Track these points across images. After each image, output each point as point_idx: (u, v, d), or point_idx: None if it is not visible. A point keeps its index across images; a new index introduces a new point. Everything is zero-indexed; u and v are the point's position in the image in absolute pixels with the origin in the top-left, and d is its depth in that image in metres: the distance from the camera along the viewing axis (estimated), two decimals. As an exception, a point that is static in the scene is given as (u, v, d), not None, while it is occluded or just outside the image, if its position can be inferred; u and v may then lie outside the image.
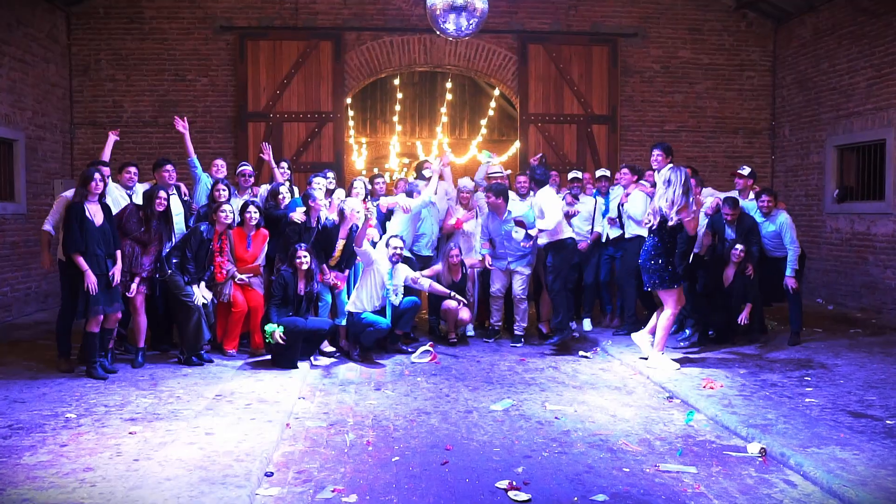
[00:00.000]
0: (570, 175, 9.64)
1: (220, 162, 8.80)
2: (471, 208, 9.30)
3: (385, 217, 9.03)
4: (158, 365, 7.53)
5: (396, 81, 14.09)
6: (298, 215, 8.08)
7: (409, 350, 8.42)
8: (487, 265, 8.81)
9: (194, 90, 11.54)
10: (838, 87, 10.83)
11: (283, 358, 7.52)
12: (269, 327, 7.40)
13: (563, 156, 11.68)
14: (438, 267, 8.78)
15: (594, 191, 9.61)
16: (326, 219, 8.23)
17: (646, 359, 7.67)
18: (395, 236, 8.27)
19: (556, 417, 6.09)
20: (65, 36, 11.27)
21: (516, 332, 8.91)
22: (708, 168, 11.76)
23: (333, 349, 8.37)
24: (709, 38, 12.02)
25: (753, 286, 8.37)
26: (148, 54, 11.46)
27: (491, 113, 14.66)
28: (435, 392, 6.86)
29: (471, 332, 9.23)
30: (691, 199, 7.51)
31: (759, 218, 8.62)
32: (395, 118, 15.22)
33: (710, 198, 8.77)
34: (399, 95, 14.57)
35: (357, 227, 8.37)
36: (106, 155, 8.01)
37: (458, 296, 8.31)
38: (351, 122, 15.84)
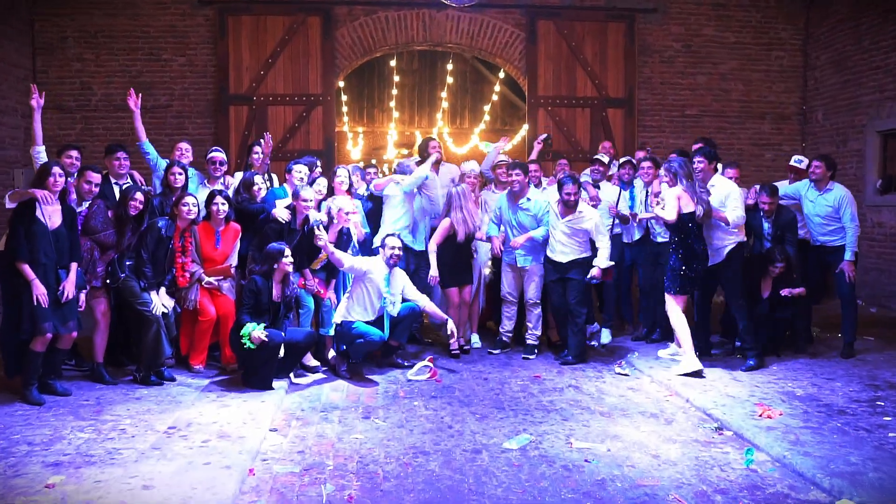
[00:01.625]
0: (597, 157, 8.28)
1: (184, 145, 7.44)
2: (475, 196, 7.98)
3: (372, 209, 7.66)
4: (109, 385, 6.20)
5: (393, 63, 12.53)
6: (283, 213, 6.72)
7: (406, 364, 7.07)
8: (497, 251, 7.55)
9: (170, 70, 10.16)
10: (882, 66, 9.46)
11: (257, 376, 6.18)
12: (246, 328, 6.05)
13: (576, 142, 10.31)
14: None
15: (618, 181, 8.24)
16: (315, 221, 6.88)
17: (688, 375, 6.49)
18: (393, 235, 6.91)
19: (586, 460, 4.74)
20: (26, 11, 9.88)
21: (528, 342, 7.55)
22: (733, 156, 10.34)
23: (318, 363, 7.02)
24: (734, 15, 10.64)
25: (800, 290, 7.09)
26: (119, 31, 10.08)
27: (495, 97, 13.20)
28: (435, 422, 5.52)
29: (476, 343, 7.88)
30: (698, 189, 6.58)
31: (810, 194, 7.31)
32: (392, 103, 13.72)
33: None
34: (396, 78, 13.02)
35: (347, 230, 7.03)
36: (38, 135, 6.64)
37: (453, 326, 6.98)
38: (344, 108, 14.37)
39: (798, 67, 10.81)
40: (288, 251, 6.27)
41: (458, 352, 7.45)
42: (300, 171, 7.24)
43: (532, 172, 7.90)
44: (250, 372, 6.23)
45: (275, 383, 6.27)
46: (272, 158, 8.15)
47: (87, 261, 6.09)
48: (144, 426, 5.21)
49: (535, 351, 7.49)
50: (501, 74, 11.96)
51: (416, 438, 5.14)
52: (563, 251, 7.20)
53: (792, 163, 7.91)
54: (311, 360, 7.00)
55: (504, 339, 7.68)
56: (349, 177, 7.49)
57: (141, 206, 6.18)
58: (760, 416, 5.42)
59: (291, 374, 6.67)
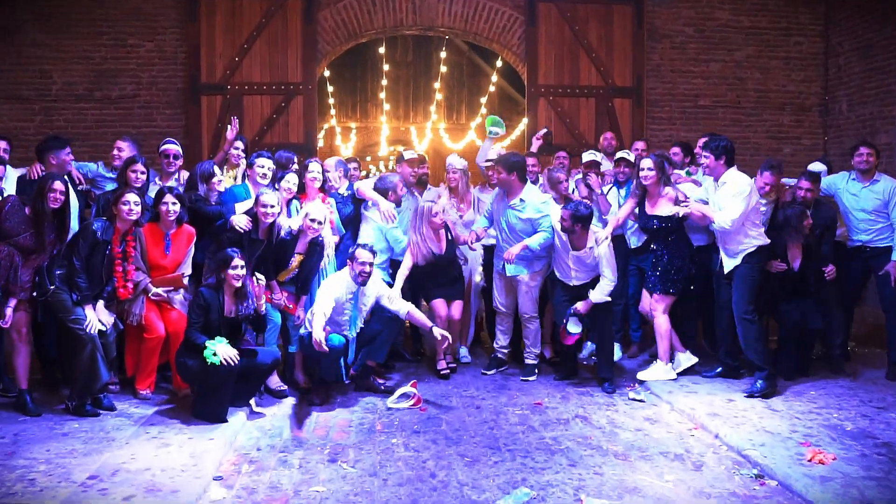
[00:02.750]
0: (586, 156, 7.18)
1: (122, 143, 6.37)
2: (461, 195, 6.88)
3: (354, 212, 6.56)
4: (34, 417, 5.13)
5: (382, 50, 11.34)
6: (241, 221, 5.64)
7: (386, 388, 5.99)
8: (471, 243, 6.50)
9: (137, 57, 9.03)
10: (917, 51, 8.37)
11: (208, 406, 5.12)
12: (210, 346, 5.00)
13: (579, 135, 9.20)
14: (407, 258, 6.40)
15: (612, 180, 7.16)
16: (282, 229, 5.82)
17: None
18: (363, 247, 5.82)
19: (601, 527, 3.68)
20: (-21, -8, 8.81)
21: (527, 362, 6.47)
22: (749, 151, 9.29)
23: (285, 387, 5.95)
24: (750, -4, 9.55)
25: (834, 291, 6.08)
26: (81, 14, 8.92)
27: (492, 89, 12.07)
28: (415, 467, 4.43)
29: (466, 359, 6.81)
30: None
31: (851, 186, 6.26)
32: (383, 94, 12.56)
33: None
34: (386, 67, 11.87)
35: (321, 239, 5.96)
36: None
37: (442, 331, 5.84)
38: (331, 100, 13.24)
39: (819, 54, 9.70)
40: (238, 260, 5.19)
41: (447, 371, 6.38)
42: (263, 165, 6.14)
43: (530, 167, 6.85)
44: (201, 400, 5.17)
45: (230, 414, 5.21)
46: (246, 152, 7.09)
47: (7, 269, 5.03)
48: (60, 475, 4.15)
49: (535, 371, 6.40)
50: (499, 64, 10.85)
51: (389, 492, 4.06)
52: (577, 276, 6.18)
53: (812, 168, 6.78)
54: (276, 383, 5.94)
55: (499, 356, 6.60)
56: (322, 172, 6.41)
57: (62, 199, 5.12)
58: (810, 460, 4.34)
59: (253, 401, 5.61)
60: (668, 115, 9.48)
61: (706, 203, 5.92)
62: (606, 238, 6.00)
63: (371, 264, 5.74)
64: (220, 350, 4.97)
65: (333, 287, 5.67)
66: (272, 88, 8.98)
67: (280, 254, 5.86)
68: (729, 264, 5.76)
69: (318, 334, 5.23)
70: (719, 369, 6.17)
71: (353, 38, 9.34)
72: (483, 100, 13.30)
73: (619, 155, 7.02)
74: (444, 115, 16.28)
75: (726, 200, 5.62)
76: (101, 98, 8.98)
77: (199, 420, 5.07)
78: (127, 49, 9.02)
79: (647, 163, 6.12)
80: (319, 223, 5.80)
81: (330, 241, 6.18)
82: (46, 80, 8.98)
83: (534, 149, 7.78)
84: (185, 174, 6.46)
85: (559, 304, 6.20)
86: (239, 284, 5.24)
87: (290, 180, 6.12)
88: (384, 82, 12.07)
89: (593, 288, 6.00)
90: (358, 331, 5.84)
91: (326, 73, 10.93)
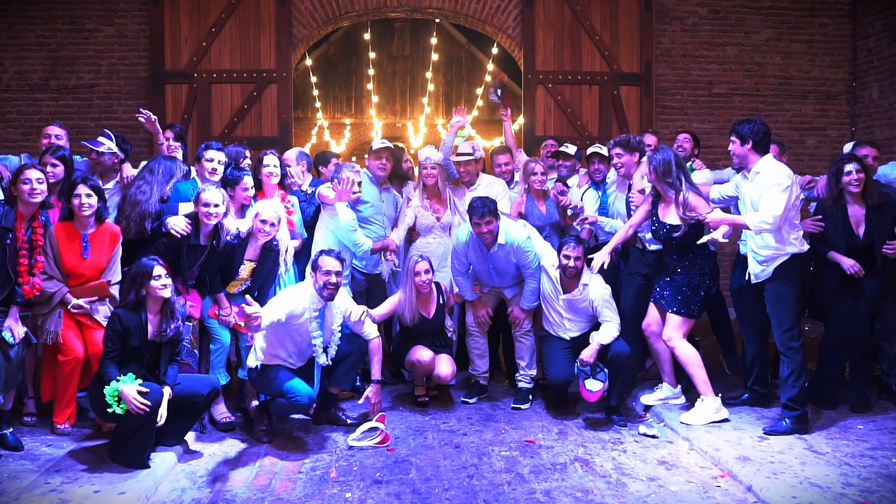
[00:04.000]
0: (563, 149, 6.19)
1: (54, 130, 5.36)
2: (437, 193, 5.82)
3: (314, 215, 5.53)
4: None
5: (367, 36, 10.21)
6: (179, 223, 4.62)
7: (350, 419, 4.95)
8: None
9: (96, 43, 8.03)
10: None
11: (125, 448, 4.09)
12: (113, 386, 3.99)
13: (581, 126, 8.15)
14: (393, 301, 5.33)
15: (587, 181, 6.05)
16: (229, 233, 4.80)
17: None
18: (328, 253, 4.77)
19: None
20: (-79, -29, 7.83)
21: (520, 385, 5.42)
22: (769, 143, 8.23)
23: (231, 417, 4.92)
24: (770, -27, 8.48)
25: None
26: (35, -4, 7.99)
27: (488, 78, 11.00)
28: (368, 537, 3.40)
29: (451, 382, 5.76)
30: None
31: None
32: (371, 85, 11.44)
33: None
34: (373, 55, 10.74)
35: (277, 243, 4.93)
36: None
37: (370, 393, 4.80)
38: (315, 91, 12.16)
39: (846, 36, 8.60)
40: (159, 268, 4.17)
41: (425, 398, 5.33)
42: (212, 158, 5.13)
43: (502, 166, 5.90)
44: (118, 441, 4.14)
45: (158, 455, 4.20)
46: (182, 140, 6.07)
47: None
48: None
49: (530, 398, 5.34)
50: (495, 50, 9.79)
51: (327, 579, 3.03)
52: (571, 325, 5.19)
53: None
54: (223, 414, 4.91)
55: (481, 382, 5.54)
56: (281, 166, 5.38)
57: None
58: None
59: (192, 435, 4.60)
60: (680, 104, 8.42)
61: (719, 210, 4.78)
62: (603, 263, 4.98)
63: (339, 273, 4.68)
64: (127, 393, 3.94)
65: (290, 300, 4.62)
66: (243, 76, 7.99)
67: (226, 261, 4.84)
68: (759, 272, 4.67)
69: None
70: (745, 395, 5.11)
71: (333, 22, 8.32)
72: (479, 90, 12.20)
73: (591, 150, 5.92)
74: (442, 111, 15.25)
75: (763, 194, 4.51)
76: (58, 88, 8.03)
77: (118, 465, 4.05)
78: (85, 34, 8.06)
79: (643, 167, 5.10)
80: (272, 224, 4.77)
81: (288, 245, 5.15)
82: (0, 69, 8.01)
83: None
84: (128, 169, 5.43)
85: (557, 355, 5.14)
86: (166, 296, 4.22)
87: (247, 184, 5.07)
88: (371, 72, 10.97)
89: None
90: (332, 358, 4.78)
91: (308, 63, 9.89)
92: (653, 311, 5.11)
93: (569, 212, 5.78)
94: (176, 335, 4.31)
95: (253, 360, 4.69)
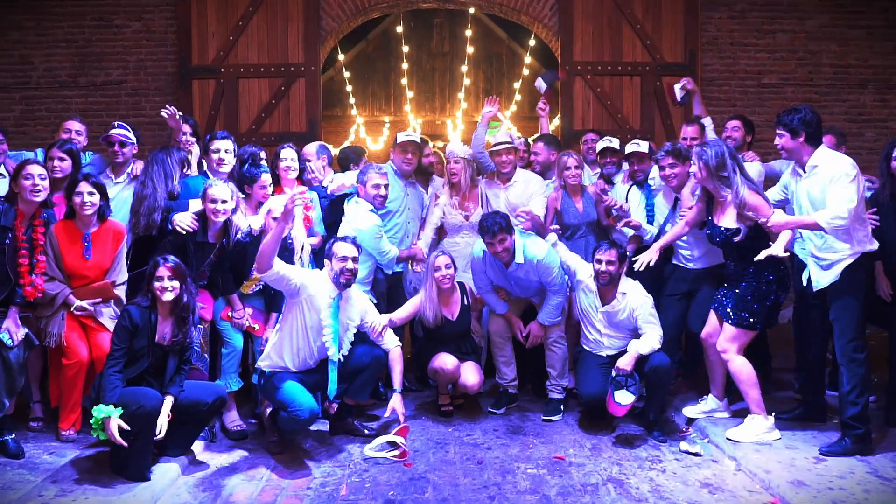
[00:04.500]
0: (630, 145, 5.70)
1: (74, 125, 5.17)
2: (465, 191, 5.43)
3: (330, 208, 5.21)
4: None
5: (400, 29, 9.76)
6: (185, 220, 4.36)
7: (368, 430, 4.62)
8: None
9: (123, 39, 7.84)
10: None
11: (125, 460, 3.82)
12: (98, 412, 3.73)
13: (622, 119, 7.68)
14: (415, 302, 4.97)
15: (627, 179, 5.65)
16: (240, 231, 4.51)
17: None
18: (343, 239, 4.46)
19: None
20: (-47, -30, 7.73)
21: (551, 396, 5.01)
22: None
23: (242, 426, 4.63)
24: (824, -46, 7.89)
25: None
26: (63, -9, 7.84)
27: (526, 72, 10.51)
28: (373, 567, 3.05)
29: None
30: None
31: None
32: (404, 80, 11.08)
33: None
34: (406, 49, 10.29)
35: (291, 241, 4.62)
36: None
37: (396, 404, 4.47)
38: (348, 87, 11.85)
39: (909, 21, 7.99)
40: (163, 269, 3.90)
41: (449, 408, 4.97)
42: (219, 149, 4.88)
43: (538, 155, 5.51)
44: (117, 452, 3.87)
45: (160, 466, 3.93)
46: (241, 144, 5.80)
47: None
48: None
49: (561, 409, 4.94)
50: (532, 42, 9.36)
51: None
52: (610, 341, 4.78)
53: None
54: (234, 422, 4.63)
55: (510, 391, 5.15)
56: (299, 160, 5.07)
57: None
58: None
59: (200, 445, 4.32)
60: (727, 95, 7.88)
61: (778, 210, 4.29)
62: (649, 261, 4.56)
63: (355, 259, 4.38)
64: (109, 425, 3.68)
65: (309, 275, 4.40)
66: (271, 71, 7.70)
67: (238, 260, 4.54)
68: (821, 279, 4.18)
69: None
70: (798, 411, 4.63)
71: (363, 14, 7.98)
72: (517, 85, 11.74)
73: (629, 148, 5.49)
74: (481, 107, 14.81)
75: (829, 189, 4.00)
76: (86, 85, 7.85)
77: (119, 476, 3.79)
78: (112, 30, 7.86)
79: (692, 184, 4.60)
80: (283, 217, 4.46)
81: (304, 242, 4.84)
82: (27, 67, 7.89)
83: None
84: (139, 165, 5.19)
85: (592, 371, 4.74)
86: (170, 299, 3.94)
87: (265, 181, 4.77)
88: (404, 66, 10.62)
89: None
90: (344, 356, 4.46)
91: (341, 58, 9.56)
92: (713, 319, 4.65)
93: (612, 212, 5.34)
94: (185, 342, 4.03)
95: (264, 362, 4.39)
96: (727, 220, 4.36)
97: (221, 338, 4.62)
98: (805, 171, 4.19)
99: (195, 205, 4.54)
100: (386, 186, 5.04)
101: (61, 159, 4.52)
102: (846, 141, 5.64)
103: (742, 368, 4.38)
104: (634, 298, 4.63)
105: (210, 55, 7.69)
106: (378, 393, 5.07)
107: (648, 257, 4.61)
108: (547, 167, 5.66)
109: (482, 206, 5.40)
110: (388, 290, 5.27)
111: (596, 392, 4.57)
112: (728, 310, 4.41)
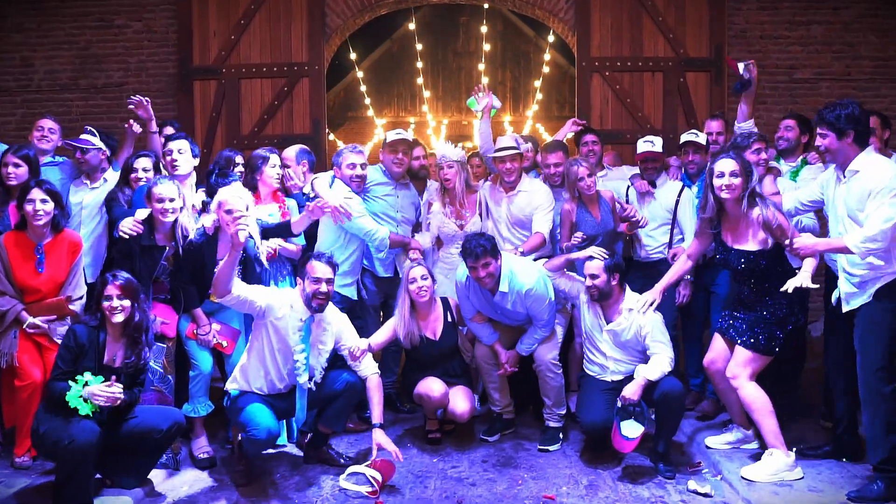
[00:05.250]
0: (641, 146, 5.17)
1: (47, 124, 4.86)
2: (459, 197, 4.93)
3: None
4: None
5: (412, 26, 9.24)
6: (126, 224, 3.98)
7: (345, 458, 4.19)
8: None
9: (125, 39, 7.54)
10: None
11: (68, 490, 3.45)
12: (76, 389, 3.38)
13: (643, 118, 7.14)
14: (392, 323, 4.51)
15: (679, 174, 5.16)
16: (190, 231, 4.11)
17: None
18: (318, 257, 4.04)
19: None
20: (-46, -29, 7.53)
21: (548, 424, 4.52)
22: (862, 134, 7.00)
23: (209, 452, 4.23)
24: (862, -62, 7.23)
25: None
26: (65, -9, 7.58)
27: (546, 70, 9.93)
28: None
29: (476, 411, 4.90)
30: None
31: None
32: (420, 80, 10.60)
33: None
34: (419, 47, 9.71)
35: (253, 239, 4.20)
36: None
37: (382, 439, 3.98)
38: (362, 87, 11.42)
39: (956, 9, 7.30)
40: (111, 289, 3.55)
41: (437, 435, 4.51)
42: (172, 149, 4.50)
43: (551, 167, 5.00)
44: (59, 482, 3.51)
45: (109, 499, 3.56)
46: (243, 147, 5.46)
47: None
48: None
49: (560, 438, 4.45)
50: (551, 38, 8.86)
51: None
52: (616, 365, 4.27)
53: None
54: (202, 448, 4.24)
55: (505, 416, 4.67)
56: (276, 166, 4.66)
57: None
58: None
59: (159, 474, 3.93)
60: (758, 91, 7.11)
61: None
62: (653, 302, 4.08)
63: (330, 281, 3.96)
64: (94, 390, 3.33)
65: (275, 294, 4.02)
66: (273, 70, 7.32)
67: (198, 267, 4.11)
68: (852, 300, 3.65)
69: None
70: (827, 447, 4.06)
71: (369, 10, 7.57)
72: (537, 83, 11.20)
73: (685, 137, 4.99)
74: (509, 107, 14.29)
75: (868, 202, 3.48)
76: (87, 87, 7.57)
77: (61, 510, 3.43)
78: (114, 31, 7.56)
79: (726, 165, 3.84)
80: (233, 212, 4.03)
81: (258, 241, 4.36)
82: (28, 69, 7.63)
83: (562, 135, 5.83)
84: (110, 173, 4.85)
85: (594, 396, 4.24)
86: (120, 320, 3.56)
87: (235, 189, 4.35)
88: (419, 65, 10.16)
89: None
90: (317, 382, 4.03)
91: (353, 56, 9.13)
92: (718, 343, 4.13)
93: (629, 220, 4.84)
94: (140, 364, 3.65)
95: (230, 384, 4.00)
96: (746, 242, 3.86)
97: (189, 356, 4.23)
98: (845, 176, 3.63)
99: (141, 213, 4.16)
100: (363, 166, 4.62)
101: (16, 165, 4.20)
102: (890, 126, 5.03)
103: (755, 396, 3.86)
104: (641, 316, 4.12)
105: (211, 55, 7.35)
106: (365, 417, 4.64)
107: (652, 298, 4.12)
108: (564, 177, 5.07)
109: (482, 214, 4.91)
110: (385, 301, 4.81)
111: (598, 420, 4.08)
112: (741, 331, 3.88)
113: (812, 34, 7.24)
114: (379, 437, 3.96)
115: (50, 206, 3.89)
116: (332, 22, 7.43)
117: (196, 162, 4.71)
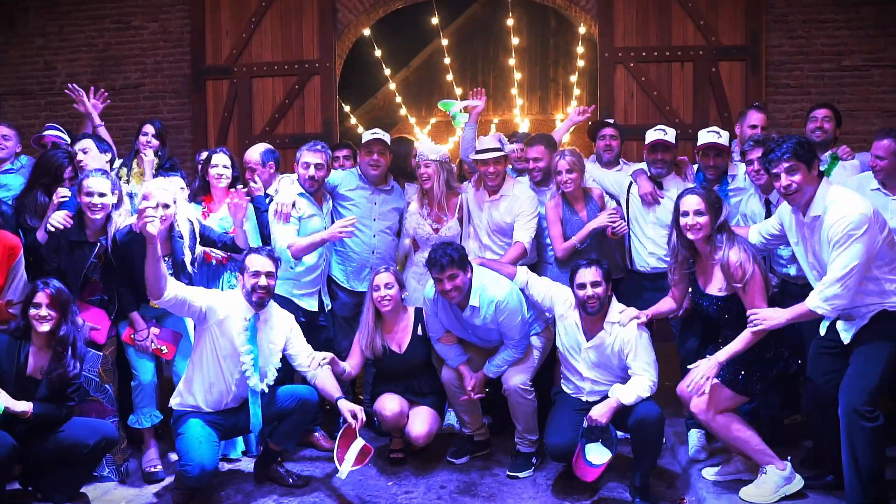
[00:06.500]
0: (651, 135, 4.66)
1: (2, 130, 4.80)
2: (438, 199, 4.54)
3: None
4: None
5: (435, 20, 8.75)
6: (58, 217, 3.81)
7: (294, 479, 3.89)
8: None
9: (141, 40, 7.51)
10: None
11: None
12: None
13: (671, 112, 6.60)
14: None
15: (696, 175, 4.64)
16: (114, 226, 3.91)
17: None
18: (258, 251, 3.77)
19: None
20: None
21: (520, 450, 4.08)
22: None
23: (158, 467, 4.01)
24: None
25: None
26: (84, -6, 7.60)
27: (581, 64, 9.32)
28: None
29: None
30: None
31: None
32: (450, 77, 10.18)
33: None
34: (445, 42, 9.18)
35: (180, 234, 3.97)
36: None
37: (351, 406, 3.68)
38: (392, 86, 11.12)
39: None
40: (41, 296, 3.41)
41: (399, 455, 4.16)
42: (79, 149, 4.32)
43: (530, 162, 4.58)
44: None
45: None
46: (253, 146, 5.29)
47: None
48: None
49: (532, 464, 4.02)
50: (582, 30, 8.38)
51: None
52: (595, 384, 3.84)
53: None
54: (151, 462, 4.02)
55: (476, 439, 4.26)
56: (230, 167, 4.42)
57: None
58: None
59: (97, 490, 3.74)
60: (799, 81, 6.64)
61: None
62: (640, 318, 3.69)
63: (270, 275, 3.70)
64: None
65: (216, 295, 3.80)
66: (284, 69, 7.15)
67: (124, 265, 3.86)
68: (846, 330, 3.18)
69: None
70: (830, 477, 3.51)
71: (384, 5, 7.29)
72: (573, 78, 10.65)
73: (704, 138, 4.42)
74: (535, 107, 13.70)
75: (828, 254, 3.09)
76: (106, 89, 7.50)
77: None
78: (131, 32, 7.55)
79: (691, 202, 3.45)
80: (165, 206, 3.78)
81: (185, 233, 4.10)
82: (51, 72, 7.70)
83: (565, 128, 5.40)
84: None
85: (563, 417, 3.83)
86: (45, 330, 3.37)
87: (173, 182, 4.11)
88: (447, 61, 9.73)
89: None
90: (269, 385, 3.76)
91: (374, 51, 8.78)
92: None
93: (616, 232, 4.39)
94: (67, 378, 3.45)
95: (173, 399, 3.76)
96: (716, 285, 3.49)
97: (136, 367, 4.01)
98: (804, 216, 3.17)
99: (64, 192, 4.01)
100: (318, 167, 4.32)
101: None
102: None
103: (725, 423, 3.48)
104: (626, 330, 3.67)
105: (223, 54, 7.23)
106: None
107: (637, 312, 3.73)
108: (548, 173, 4.66)
109: (462, 218, 4.53)
110: (356, 315, 4.47)
111: (562, 444, 3.66)
112: (723, 369, 3.42)
113: (862, 16, 6.55)
114: (344, 406, 3.69)
115: (-19, 206, 3.75)
116: (343, 18, 7.20)
117: (108, 157, 4.45)
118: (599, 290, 3.67)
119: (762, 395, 3.62)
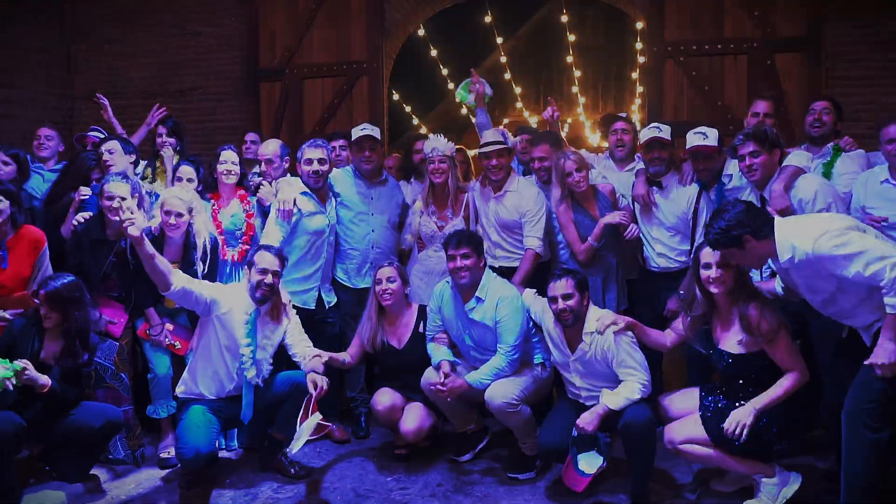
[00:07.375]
0: (645, 133, 4.50)
1: (44, 132, 5.06)
2: (447, 195, 4.51)
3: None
4: None
5: (488, 19, 8.62)
6: (85, 215, 4.03)
7: (293, 470, 3.95)
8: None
9: (199, 45, 7.79)
10: None
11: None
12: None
13: (724, 107, 6.34)
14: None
15: (690, 179, 4.40)
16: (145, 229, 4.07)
17: None
18: (268, 248, 3.86)
19: None
20: (58, -10, 8.12)
21: (522, 451, 3.95)
22: None
23: (171, 453, 4.15)
24: None
25: None
26: (149, 2, 7.94)
27: (641, 60, 9.01)
28: None
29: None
30: None
31: None
32: (507, 75, 10.01)
33: None
34: (499, 40, 8.95)
35: (194, 237, 4.11)
36: None
37: (317, 377, 3.69)
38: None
39: None
40: (42, 295, 3.57)
41: (402, 451, 4.15)
42: (106, 149, 4.47)
43: (536, 161, 4.54)
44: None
45: (42, 493, 3.58)
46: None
47: None
48: None
49: (536, 465, 3.93)
50: (639, 25, 8.15)
51: None
52: (590, 395, 3.73)
53: None
54: (166, 448, 4.17)
55: (475, 441, 4.19)
56: (238, 164, 4.54)
57: None
58: None
59: (109, 471, 3.91)
60: (864, 73, 6.24)
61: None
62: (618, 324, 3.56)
63: (276, 274, 3.81)
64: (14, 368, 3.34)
65: (221, 288, 3.94)
66: (333, 69, 7.29)
67: (140, 264, 4.02)
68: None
69: None
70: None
71: (430, 3, 7.32)
72: (635, 75, 10.34)
73: (646, 134, 4.35)
74: (599, 106, 13.42)
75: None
76: (167, 93, 7.89)
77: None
78: (191, 37, 7.84)
79: (714, 254, 3.30)
80: (179, 215, 3.94)
81: (206, 238, 4.20)
82: (115, 78, 8.08)
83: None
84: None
85: (556, 418, 3.76)
86: (48, 327, 3.59)
87: (186, 172, 4.28)
88: (503, 59, 9.62)
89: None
90: (264, 376, 3.85)
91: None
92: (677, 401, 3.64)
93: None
94: (76, 369, 3.63)
95: (179, 388, 3.90)
96: (732, 340, 3.35)
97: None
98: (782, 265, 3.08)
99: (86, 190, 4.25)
100: (321, 161, 4.36)
101: (5, 163, 4.35)
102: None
103: (703, 451, 3.36)
104: (604, 339, 3.54)
105: (276, 56, 7.44)
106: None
107: (613, 319, 3.60)
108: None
109: (469, 217, 4.49)
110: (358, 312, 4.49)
111: (553, 443, 3.59)
112: (709, 408, 3.38)
113: (936, 2, 6.10)
114: (310, 376, 3.74)
115: (5, 205, 3.95)
116: (391, 17, 7.28)
117: (132, 158, 4.62)
118: (571, 301, 3.56)
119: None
